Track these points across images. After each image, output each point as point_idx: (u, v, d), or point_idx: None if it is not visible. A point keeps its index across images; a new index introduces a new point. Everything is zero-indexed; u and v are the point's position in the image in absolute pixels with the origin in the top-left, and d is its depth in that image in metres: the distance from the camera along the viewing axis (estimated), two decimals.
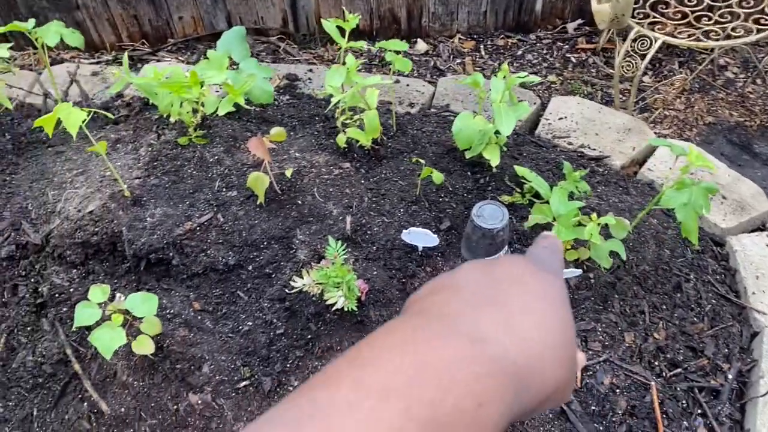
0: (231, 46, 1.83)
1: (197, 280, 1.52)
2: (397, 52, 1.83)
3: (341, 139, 1.71)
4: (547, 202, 1.53)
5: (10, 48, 1.88)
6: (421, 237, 1.53)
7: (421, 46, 2.74)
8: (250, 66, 1.78)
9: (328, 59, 2.66)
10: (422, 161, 1.62)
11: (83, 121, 1.35)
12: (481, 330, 0.40)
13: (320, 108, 2.08)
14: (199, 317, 1.48)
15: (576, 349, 0.48)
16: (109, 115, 1.65)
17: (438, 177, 1.59)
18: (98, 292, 1.34)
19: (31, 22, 1.81)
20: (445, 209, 1.65)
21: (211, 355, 1.42)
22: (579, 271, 1.50)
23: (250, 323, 1.46)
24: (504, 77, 1.59)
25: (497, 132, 1.65)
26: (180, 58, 2.67)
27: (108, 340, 1.28)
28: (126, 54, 1.76)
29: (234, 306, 1.49)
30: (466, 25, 2.79)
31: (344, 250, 1.42)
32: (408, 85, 2.36)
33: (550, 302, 0.46)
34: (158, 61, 2.62)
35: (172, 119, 1.73)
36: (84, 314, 1.31)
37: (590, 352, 1.47)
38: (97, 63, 2.60)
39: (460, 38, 2.78)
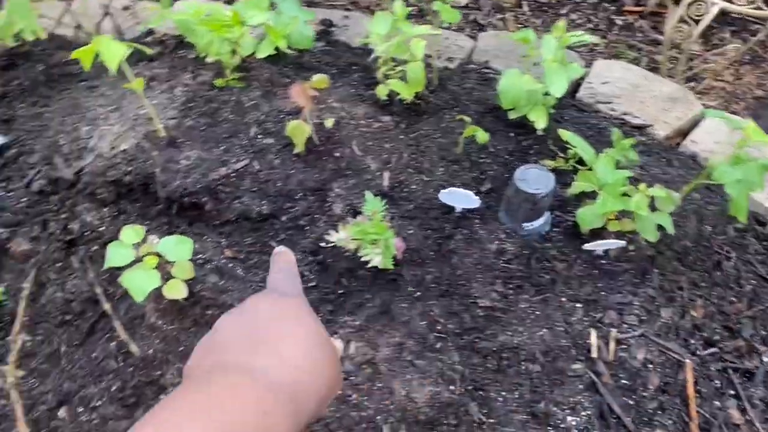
0: None
1: (229, 227, 1.49)
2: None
3: (382, 91, 1.64)
4: (591, 169, 1.47)
5: None
6: (461, 198, 1.48)
7: None
8: (292, 7, 1.70)
9: (364, 5, 2.56)
10: (467, 119, 1.56)
11: (124, 56, 1.29)
12: (259, 366, 0.54)
13: (357, 57, 2.00)
14: (231, 265, 1.45)
15: (334, 352, 0.62)
16: (148, 50, 1.58)
17: (483, 136, 1.53)
18: (131, 233, 1.31)
19: None
20: (487, 170, 1.60)
21: None
22: (622, 243, 1.46)
23: None
24: (557, 36, 1.51)
25: (546, 93, 1.59)
26: None
27: (141, 283, 1.25)
28: None
29: (265, 256, 1.46)
30: None
31: (383, 206, 1.38)
32: (447, 38, 2.27)
33: (302, 324, 0.60)
34: None
35: (209, 59, 1.67)
36: (117, 254, 1.28)
37: (625, 326, 1.44)
38: None
39: None
